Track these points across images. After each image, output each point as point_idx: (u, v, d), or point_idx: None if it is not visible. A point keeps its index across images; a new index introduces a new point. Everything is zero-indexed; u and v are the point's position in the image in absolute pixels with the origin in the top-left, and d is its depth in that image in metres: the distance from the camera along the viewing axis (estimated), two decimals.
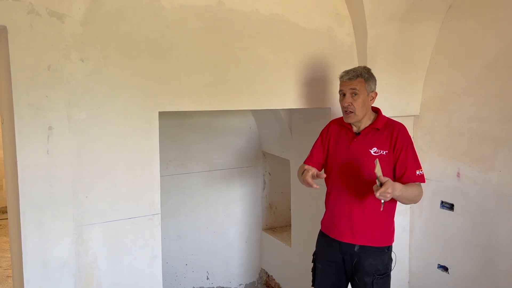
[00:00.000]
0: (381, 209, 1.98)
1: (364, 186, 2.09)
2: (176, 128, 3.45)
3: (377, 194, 1.82)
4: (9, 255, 4.55)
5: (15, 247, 2.15)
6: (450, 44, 2.80)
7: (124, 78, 2.06)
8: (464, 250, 2.75)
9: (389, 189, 1.82)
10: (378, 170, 1.87)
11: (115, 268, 2.12)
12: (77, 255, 2.02)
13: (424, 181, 2.09)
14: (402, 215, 3.12)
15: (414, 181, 2.05)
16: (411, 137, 2.16)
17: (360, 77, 2.09)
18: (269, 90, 2.48)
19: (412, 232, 3.13)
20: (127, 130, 2.09)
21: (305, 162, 2.29)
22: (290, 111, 3.30)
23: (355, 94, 2.08)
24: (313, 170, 2.02)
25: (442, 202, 2.89)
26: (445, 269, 2.89)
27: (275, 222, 3.99)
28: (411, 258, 3.16)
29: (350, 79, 2.10)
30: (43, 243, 1.93)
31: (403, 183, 2.00)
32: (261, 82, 2.45)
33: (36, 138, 1.87)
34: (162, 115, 2.22)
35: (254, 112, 3.71)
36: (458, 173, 2.76)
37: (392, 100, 2.87)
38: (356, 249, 2.12)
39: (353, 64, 2.77)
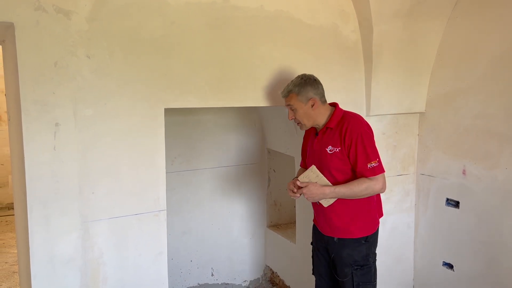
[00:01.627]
0: (324, 205, 2.16)
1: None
2: (181, 125, 3.45)
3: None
4: (15, 251, 4.58)
5: (22, 243, 2.17)
6: (455, 41, 2.79)
7: (129, 74, 2.07)
8: (469, 248, 2.74)
9: (304, 194, 2.12)
10: (302, 176, 2.15)
11: (121, 264, 2.13)
12: (83, 251, 2.03)
13: (377, 173, 2.08)
14: (407, 212, 3.12)
15: (366, 175, 2.09)
16: (369, 130, 2.18)
17: (291, 93, 2.18)
18: (273, 87, 2.48)
19: (417, 229, 3.13)
20: (133, 127, 2.10)
21: (300, 164, 2.53)
22: None
23: (293, 109, 2.19)
24: (290, 183, 2.23)
25: (447, 199, 2.88)
26: (450, 266, 2.89)
27: (280, 219, 3.99)
28: (416, 255, 3.16)
29: (284, 97, 2.23)
30: (49, 238, 1.94)
31: (358, 177, 2.11)
32: (265, 79, 2.45)
33: (42, 135, 1.89)
34: (167, 112, 2.22)
35: (259, 109, 3.71)
36: (464, 171, 2.75)
37: (398, 97, 2.87)
38: (335, 240, 2.21)
39: (359, 61, 2.77)
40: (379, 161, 2.11)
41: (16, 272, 4.08)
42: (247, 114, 3.75)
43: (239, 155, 3.75)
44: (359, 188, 2.09)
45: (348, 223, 2.17)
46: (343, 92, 2.72)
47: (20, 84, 1.83)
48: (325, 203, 2.15)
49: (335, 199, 2.14)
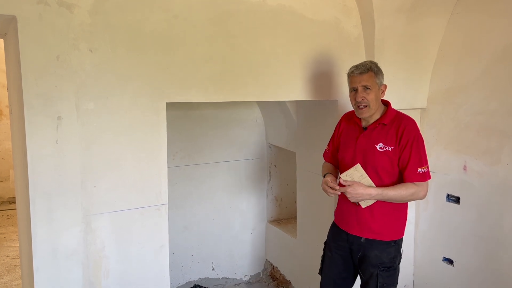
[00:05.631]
0: (363, 206, 2.08)
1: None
2: (182, 119, 3.46)
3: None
4: (17, 245, 4.60)
5: (24, 236, 2.18)
6: (458, 36, 2.79)
7: (132, 68, 2.07)
8: (469, 243, 2.75)
9: (348, 194, 2.00)
10: (345, 174, 2.03)
11: (123, 257, 2.14)
12: (86, 244, 2.04)
13: (425, 180, 2.05)
14: (408, 208, 3.11)
15: (413, 180, 2.03)
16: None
17: (370, 71, 2.08)
18: (275, 81, 2.48)
19: (417, 225, 3.14)
20: (135, 121, 2.10)
21: (323, 155, 2.42)
22: (296, 103, 3.30)
23: (367, 89, 2.07)
24: (329, 180, 2.11)
25: (448, 195, 2.89)
26: (450, 262, 2.90)
27: (280, 214, 4.00)
28: (416, 251, 3.17)
29: (361, 73, 2.08)
30: (52, 231, 1.95)
31: (404, 181, 2.05)
32: (267, 73, 2.45)
33: (45, 128, 1.89)
34: (169, 106, 2.22)
35: (260, 104, 3.71)
36: (465, 166, 2.76)
37: (399, 93, 2.86)
38: (362, 240, 2.14)
39: (360, 56, 2.76)
40: (428, 167, 2.06)
41: (18, 265, 4.10)
42: (249, 109, 3.75)
43: (240, 150, 3.75)
44: (406, 193, 2.02)
45: (381, 225, 2.11)
46: (344, 86, 2.72)
47: (22, 77, 1.83)
48: (364, 204, 2.08)
49: (375, 200, 2.05)
